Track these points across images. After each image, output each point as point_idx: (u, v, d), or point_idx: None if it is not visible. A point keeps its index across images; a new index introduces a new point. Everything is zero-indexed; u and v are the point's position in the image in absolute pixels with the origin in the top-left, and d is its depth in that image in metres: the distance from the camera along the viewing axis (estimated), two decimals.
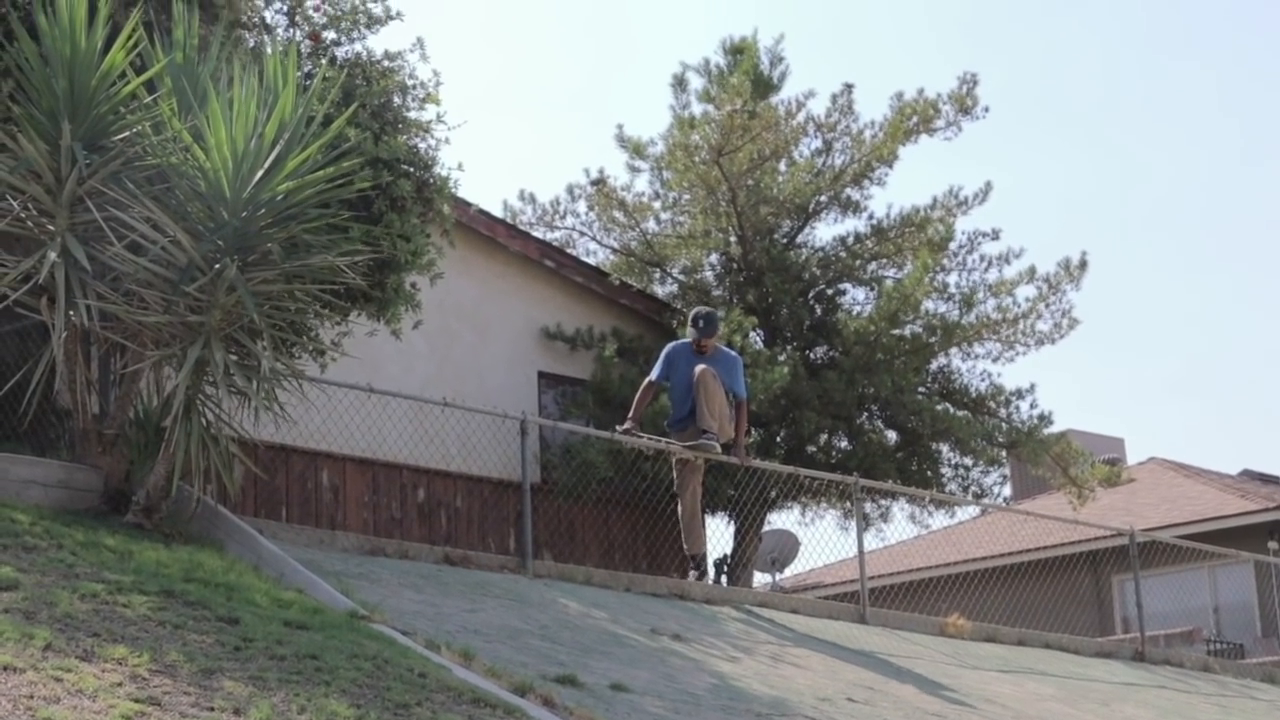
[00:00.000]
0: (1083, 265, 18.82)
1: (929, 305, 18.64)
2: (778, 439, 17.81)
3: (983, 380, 18.97)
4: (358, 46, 11.69)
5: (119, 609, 7.10)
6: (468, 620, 9.37)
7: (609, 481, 16.15)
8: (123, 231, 9.07)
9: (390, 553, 11.23)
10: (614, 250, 19.51)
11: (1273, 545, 23.29)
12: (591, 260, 19.07)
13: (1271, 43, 49.47)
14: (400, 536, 14.18)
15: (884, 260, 19.25)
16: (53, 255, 9.07)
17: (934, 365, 18.87)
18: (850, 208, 19.39)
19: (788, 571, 20.88)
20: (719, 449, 12.58)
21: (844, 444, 18.37)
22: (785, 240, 19.16)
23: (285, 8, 11.58)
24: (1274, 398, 48.52)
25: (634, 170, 19.68)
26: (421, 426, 14.13)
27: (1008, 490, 21.42)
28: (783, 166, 19.16)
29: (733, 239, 19.00)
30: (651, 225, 19.53)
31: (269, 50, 9.94)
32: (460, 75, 44.23)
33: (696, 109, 19.57)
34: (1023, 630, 14.50)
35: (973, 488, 18.90)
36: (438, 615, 9.30)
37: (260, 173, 9.10)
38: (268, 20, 11.47)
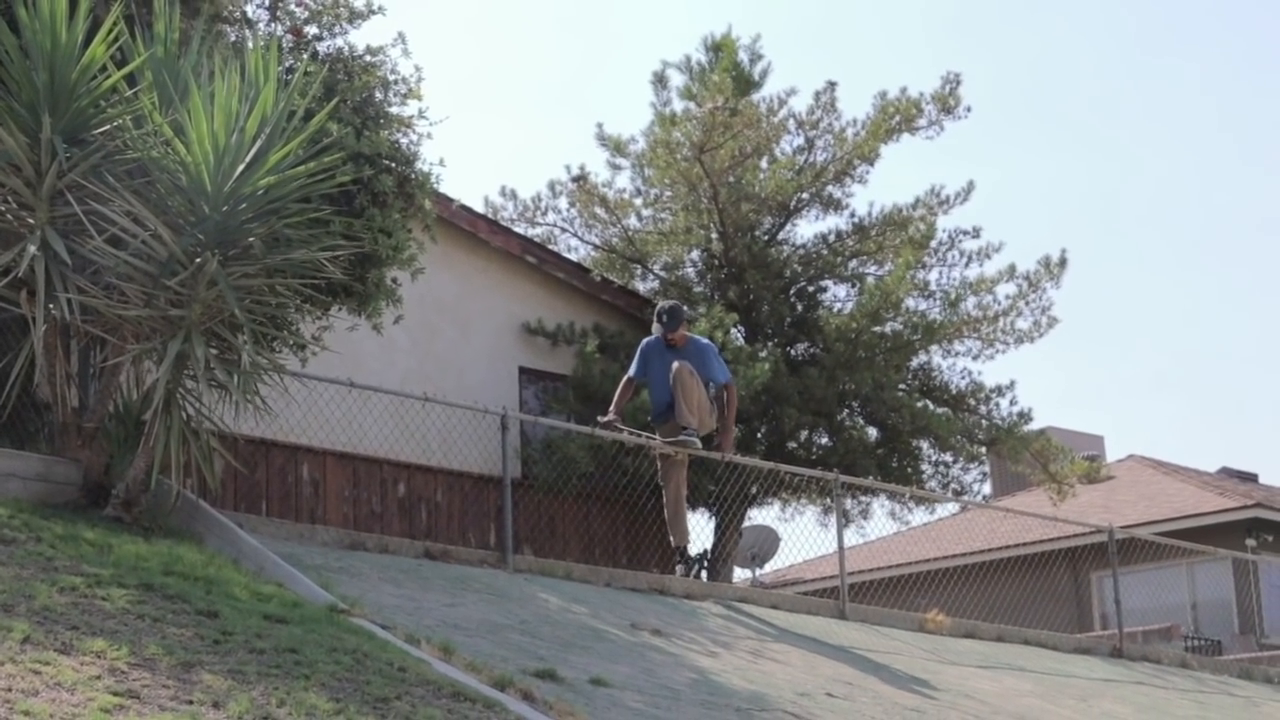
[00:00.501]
0: (1063, 263, 18.90)
1: (910, 303, 18.71)
2: (759, 435, 17.85)
3: (963, 377, 19.07)
4: (339, 41, 11.71)
5: (98, 602, 7.09)
6: (447, 615, 9.37)
7: (589, 477, 16.16)
8: (103, 225, 9.05)
9: (370, 547, 11.23)
10: (595, 246, 19.51)
11: (1250, 542, 23.44)
12: (573, 256, 19.08)
13: (1259, 40, 49.67)
14: (380, 531, 14.18)
15: (865, 258, 19.30)
16: (33, 248, 9.04)
17: (914, 362, 18.93)
18: (832, 205, 19.42)
19: (768, 567, 20.96)
20: (699, 444, 12.62)
21: (824, 440, 18.41)
22: (766, 237, 19.19)
23: (267, 2, 11.57)
24: (1253, 396, 48.76)
25: (615, 168, 19.71)
26: (402, 421, 14.12)
27: (987, 487, 21.49)
28: (764, 164, 19.17)
29: (714, 236, 19.02)
30: (633, 222, 19.54)
31: (250, 45, 9.93)
32: (442, 71, 44.30)
33: (678, 106, 19.63)
34: (1001, 626, 14.55)
35: (952, 484, 18.97)
36: (418, 609, 9.29)
37: (241, 167, 9.09)
38: (249, 15, 11.46)
